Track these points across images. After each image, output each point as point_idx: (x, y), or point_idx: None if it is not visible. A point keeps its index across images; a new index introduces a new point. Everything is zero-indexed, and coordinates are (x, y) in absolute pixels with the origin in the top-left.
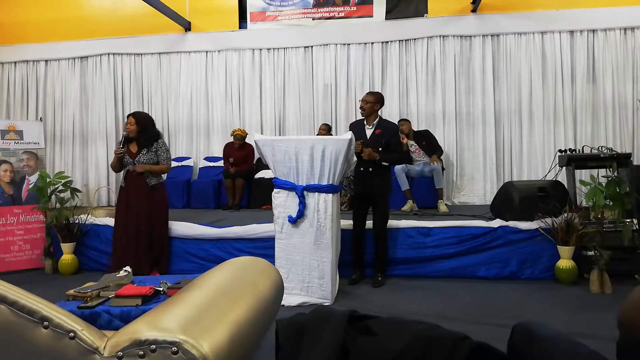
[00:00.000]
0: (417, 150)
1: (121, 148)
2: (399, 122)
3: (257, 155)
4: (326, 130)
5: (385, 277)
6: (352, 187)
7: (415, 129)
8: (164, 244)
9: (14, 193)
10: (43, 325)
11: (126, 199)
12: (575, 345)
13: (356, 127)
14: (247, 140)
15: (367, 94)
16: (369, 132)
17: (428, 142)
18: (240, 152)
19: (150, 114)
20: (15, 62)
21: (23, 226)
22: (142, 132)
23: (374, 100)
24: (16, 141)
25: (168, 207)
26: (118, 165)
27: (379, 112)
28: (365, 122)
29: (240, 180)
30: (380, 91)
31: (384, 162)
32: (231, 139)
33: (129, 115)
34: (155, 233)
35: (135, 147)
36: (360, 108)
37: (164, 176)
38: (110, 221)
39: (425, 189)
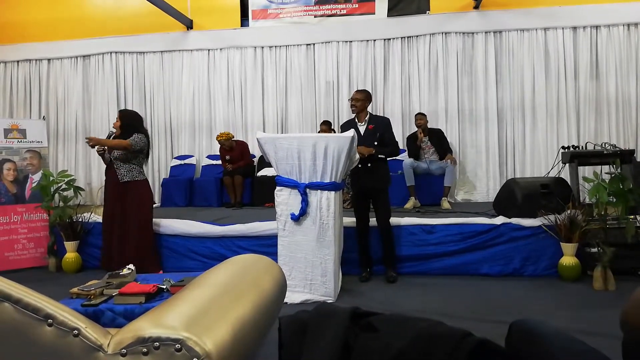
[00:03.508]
0: (428, 147)
1: (101, 146)
2: (416, 116)
3: (259, 153)
4: (327, 128)
5: (397, 273)
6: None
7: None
8: (145, 244)
9: (17, 192)
10: (47, 323)
11: (105, 196)
12: (574, 342)
13: (349, 126)
14: (239, 138)
15: (357, 91)
16: (362, 128)
17: (439, 141)
18: (231, 151)
19: (138, 112)
20: (18, 61)
21: (27, 224)
22: (123, 128)
23: (364, 98)
24: (19, 140)
25: (148, 206)
26: (105, 161)
27: (368, 109)
28: (356, 120)
29: (238, 177)
30: (382, 88)
31: (381, 155)
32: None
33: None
34: (133, 232)
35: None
36: (351, 106)
37: (145, 172)
38: None
39: (429, 186)
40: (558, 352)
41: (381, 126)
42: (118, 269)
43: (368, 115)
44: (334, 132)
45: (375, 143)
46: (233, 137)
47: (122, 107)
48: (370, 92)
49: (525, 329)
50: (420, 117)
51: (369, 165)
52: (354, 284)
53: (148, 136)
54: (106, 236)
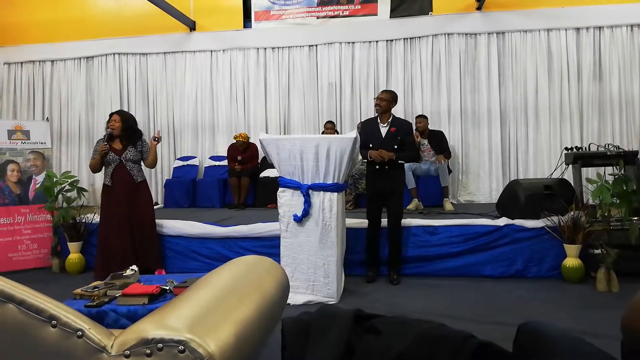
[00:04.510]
0: (428, 150)
1: (105, 145)
2: (417, 118)
3: (262, 154)
4: (332, 128)
5: (399, 275)
6: (357, 185)
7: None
8: (154, 241)
9: (21, 192)
10: (51, 324)
11: (113, 198)
12: (581, 343)
13: (369, 126)
14: (250, 141)
15: (383, 91)
16: (383, 130)
17: (439, 143)
18: (244, 152)
19: (134, 114)
20: (21, 63)
21: (30, 225)
22: (126, 130)
23: (390, 98)
24: (23, 141)
25: (152, 204)
26: (99, 164)
27: (392, 111)
28: (379, 120)
29: (246, 178)
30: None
31: (400, 161)
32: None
33: (113, 114)
34: (145, 232)
35: (118, 144)
36: (376, 105)
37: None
38: None
39: (431, 188)
40: (564, 353)
41: (403, 130)
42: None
43: (391, 117)
44: (337, 132)
45: (396, 147)
46: (248, 139)
47: (125, 109)
48: (374, 93)
49: (533, 330)
50: (420, 120)
51: (387, 167)
52: (356, 285)
53: (142, 135)
54: (112, 239)
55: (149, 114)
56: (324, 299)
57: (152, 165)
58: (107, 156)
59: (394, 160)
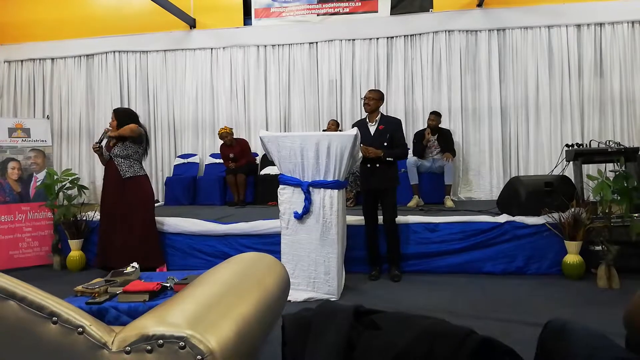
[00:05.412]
0: (435, 147)
1: (97, 143)
2: (430, 114)
3: (260, 151)
4: (335, 126)
5: (400, 271)
6: (358, 183)
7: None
8: (151, 239)
9: (21, 190)
10: (52, 321)
11: (103, 194)
12: (602, 339)
13: (359, 127)
14: (242, 136)
15: (370, 91)
16: (372, 128)
17: (446, 141)
18: (234, 148)
19: (134, 110)
20: (22, 61)
21: (31, 223)
22: (121, 126)
23: (378, 97)
24: (23, 139)
25: (151, 200)
26: (103, 162)
27: (380, 109)
28: (367, 120)
29: (241, 175)
30: (385, 87)
31: (389, 158)
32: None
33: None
34: (138, 227)
35: (114, 141)
36: (364, 105)
37: (144, 167)
38: None
39: (432, 185)
40: (580, 348)
41: (391, 127)
42: (121, 267)
43: (379, 116)
44: (341, 131)
45: (385, 144)
46: (233, 132)
47: (126, 106)
48: None
49: (558, 326)
50: (434, 118)
51: (377, 165)
52: (357, 282)
53: (146, 131)
54: (105, 234)
55: (150, 111)
56: (325, 295)
57: (125, 135)
58: (102, 154)
59: (382, 157)
